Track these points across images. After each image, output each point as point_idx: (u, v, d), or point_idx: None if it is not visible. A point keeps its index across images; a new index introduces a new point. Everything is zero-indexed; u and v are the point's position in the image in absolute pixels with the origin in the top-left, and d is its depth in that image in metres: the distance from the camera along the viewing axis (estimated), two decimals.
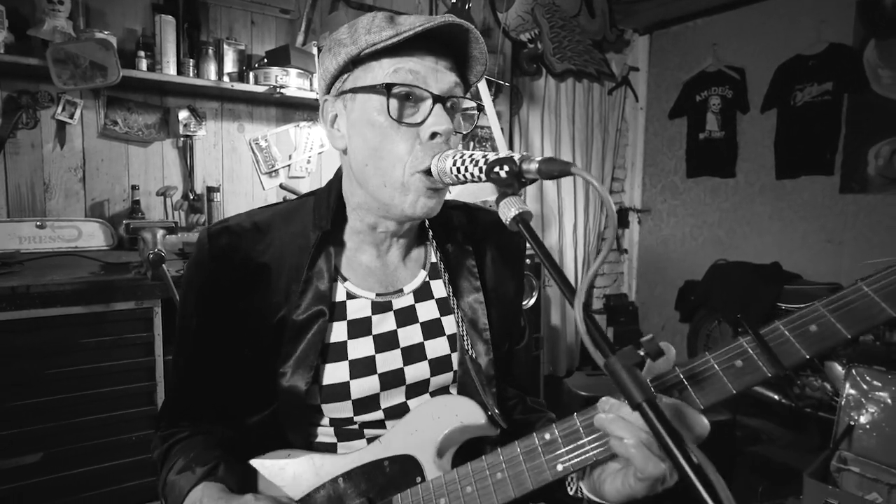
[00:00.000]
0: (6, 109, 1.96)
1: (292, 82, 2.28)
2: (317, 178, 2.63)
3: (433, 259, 0.88)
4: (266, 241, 0.80)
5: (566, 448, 0.64)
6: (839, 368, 2.66)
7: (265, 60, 2.29)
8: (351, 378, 0.79)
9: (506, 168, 0.59)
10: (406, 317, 0.84)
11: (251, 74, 2.26)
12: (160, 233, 1.56)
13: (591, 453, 0.63)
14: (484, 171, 0.62)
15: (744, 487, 2.54)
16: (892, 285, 0.56)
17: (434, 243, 0.88)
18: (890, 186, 2.95)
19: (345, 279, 0.82)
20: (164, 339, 1.66)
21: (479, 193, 2.55)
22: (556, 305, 3.74)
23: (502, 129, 3.30)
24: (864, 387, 2.39)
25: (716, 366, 0.61)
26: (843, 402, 2.41)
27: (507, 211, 0.59)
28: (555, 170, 0.55)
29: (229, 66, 2.26)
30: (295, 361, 0.77)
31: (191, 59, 2.13)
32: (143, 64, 2.02)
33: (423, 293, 0.86)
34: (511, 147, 3.43)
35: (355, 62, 0.74)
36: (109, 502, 1.62)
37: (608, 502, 0.65)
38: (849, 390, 2.42)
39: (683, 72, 3.93)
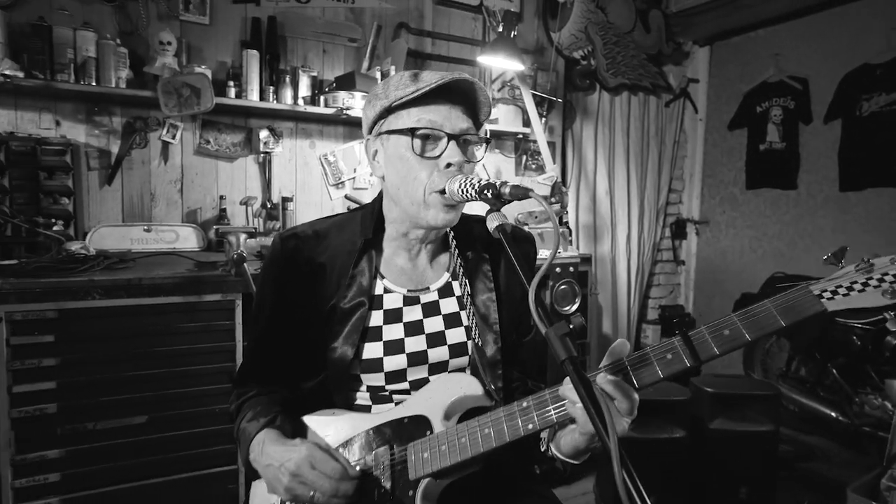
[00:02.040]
0: (124, 133, 2.35)
1: (357, 104, 2.55)
2: (377, 189, 2.89)
3: (455, 264, 1.09)
4: (323, 245, 1.04)
5: (537, 412, 0.82)
6: None
7: (334, 85, 2.58)
8: (384, 355, 1.00)
9: (490, 191, 0.79)
10: (431, 309, 1.05)
11: (321, 98, 2.56)
12: (242, 236, 1.86)
13: (553, 415, 0.81)
14: (477, 191, 0.82)
15: (789, 500, 2.53)
16: (789, 303, 0.72)
17: (456, 251, 1.09)
18: None
19: (383, 277, 1.04)
20: (243, 327, 1.95)
21: (525, 205, 2.72)
22: (608, 315, 3.81)
23: (553, 143, 3.45)
24: None
25: (652, 357, 0.77)
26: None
27: (492, 222, 0.79)
28: (519, 193, 0.74)
29: (303, 90, 2.56)
30: (342, 339, 0.99)
31: (271, 87, 2.45)
32: (232, 92, 2.36)
33: (445, 291, 1.07)
34: (564, 159, 3.56)
35: (388, 111, 0.97)
36: (196, 462, 1.92)
37: (563, 454, 0.84)
38: None
39: (744, 83, 3.90)
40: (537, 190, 2.81)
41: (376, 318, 1.02)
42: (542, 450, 0.90)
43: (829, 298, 0.73)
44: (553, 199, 2.84)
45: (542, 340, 0.66)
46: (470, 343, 1.04)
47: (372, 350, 1.00)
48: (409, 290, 1.05)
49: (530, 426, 0.82)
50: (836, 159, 3.37)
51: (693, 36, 4.08)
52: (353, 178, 2.85)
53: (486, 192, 0.81)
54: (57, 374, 1.73)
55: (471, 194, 0.86)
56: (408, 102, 0.95)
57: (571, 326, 0.64)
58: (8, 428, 1.68)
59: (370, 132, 1.03)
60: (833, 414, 2.98)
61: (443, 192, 0.93)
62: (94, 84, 2.14)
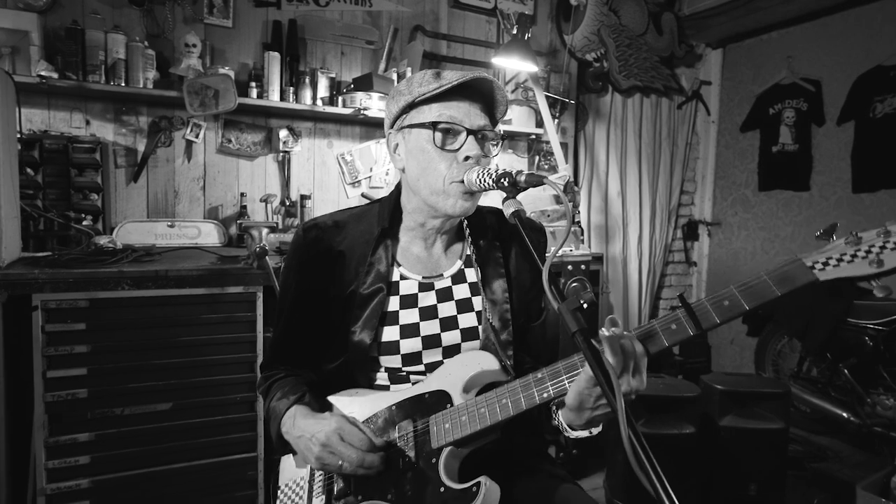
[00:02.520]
0: (150, 132, 2.44)
1: (374, 105, 2.62)
2: (392, 188, 2.96)
3: (468, 252, 1.15)
4: (342, 234, 1.10)
5: (551, 382, 0.87)
6: None
7: (352, 86, 2.65)
8: (401, 338, 1.06)
9: (507, 179, 0.85)
10: (444, 295, 1.10)
11: (340, 98, 2.63)
12: (265, 231, 1.93)
13: (566, 384, 0.86)
14: (494, 180, 0.88)
15: (800, 500, 2.54)
16: (783, 274, 0.76)
17: (469, 240, 1.14)
18: None
19: (399, 264, 1.10)
20: (263, 318, 2.02)
21: (538, 204, 2.77)
22: (619, 314, 3.84)
23: (566, 143, 3.49)
24: None
25: (658, 328, 0.82)
26: None
27: (508, 209, 0.85)
28: (534, 180, 0.79)
29: (322, 91, 2.64)
30: (362, 323, 1.05)
31: (291, 87, 2.53)
32: (254, 92, 2.44)
33: (458, 278, 1.12)
34: (576, 160, 3.61)
35: (411, 106, 1.03)
36: (217, 448, 1.99)
37: (575, 425, 0.88)
38: None
39: (757, 85, 3.92)
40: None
41: (393, 304, 1.08)
42: (554, 423, 0.95)
43: (820, 269, 0.78)
44: (567, 197, 2.87)
45: (553, 335, 0.70)
46: (481, 327, 1.10)
47: (389, 333, 1.06)
48: (423, 277, 1.10)
49: (545, 395, 0.87)
50: (849, 161, 3.38)
51: (706, 38, 4.11)
52: (369, 177, 2.92)
53: (502, 180, 0.87)
54: (88, 361, 1.81)
55: (488, 183, 0.92)
56: (429, 98, 1.01)
57: (582, 302, 0.67)
58: (42, 411, 1.76)
59: (392, 126, 1.09)
60: (845, 415, 2.98)
61: (461, 182, 0.99)
62: (123, 85, 2.22)
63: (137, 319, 1.87)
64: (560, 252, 2.47)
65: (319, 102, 2.62)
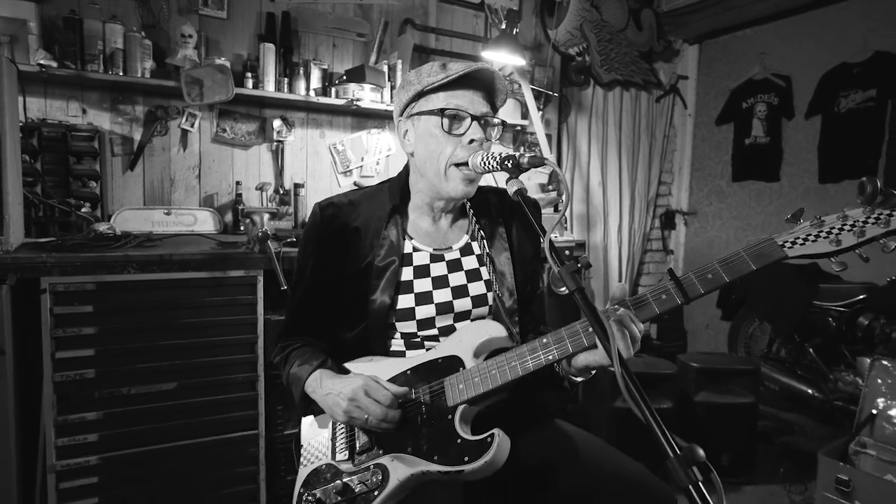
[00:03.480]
0: (146, 121, 2.48)
1: (366, 96, 2.69)
2: (384, 177, 3.03)
3: (473, 228, 1.25)
4: (357, 212, 1.19)
5: (555, 346, 0.98)
6: (868, 362, 2.77)
7: (344, 77, 2.72)
8: (416, 305, 1.17)
9: (510, 161, 0.95)
10: (454, 266, 1.21)
11: (332, 89, 2.70)
12: (266, 216, 2.00)
13: (570, 347, 0.97)
14: (498, 162, 0.99)
15: (769, 470, 2.72)
16: (758, 251, 0.88)
17: (473, 217, 1.25)
18: None
19: (411, 238, 1.21)
20: (264, 301, 2.10)
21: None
22: (600, 300, 3.99)
23: (550, 135, 3.61)
24: (889, 379, 2.53)
25: (650, 298, 0.94)
26: (866, 392, 2.56)
27: (512, 187, 0.96)
28: (536, 161, 0.90)
29: (315, 82, 2.70)
30: (379, 292, 1.15)
31: (285, 78, 2.59)
32: (249, 83, 2.50)
33: (466, 250, 1.23)
34: (559, 151, 3.73)
35: (420, 95, 1.13)
36: (220, 426, 2.06)
37: (575, 368, 1.00)
38: (873, 381, 2.56)
39: (731, 79, 4.09)
40: (536, 179, 2.98)
41: (407, 274, 1.18)
42: (557, 372, 1.07)
43: (789, 247, 0.90)
44: (550, 188, 3.00)
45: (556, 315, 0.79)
46: (490, 294, 1.21)
47: (405, 301, 1.16)
48: (434, 249, 1.21)
49: (550, 357, 0.99)
50: (815, 153, 3.57)
51: (683, 34, 4.26)
52: (361, 166, 2.99)
53: (506, 162, 0.98)
54: (95, 342, 1.87)
55: (492, 165, 1.02)
56: (437, 88, 1.11)
57: (580, 265, 0.77)
58: (51, 391, 1.82)
59: (401, 114, 1.18)
60: (810, 391, 3.17)
61: (466, 164, 1.09)
62: (121, 74, 2.26)
63: (143, 302, 1.93)
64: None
65: (312, 93, 2.68)
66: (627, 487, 1.05)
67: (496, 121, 1.14)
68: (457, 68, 1.10)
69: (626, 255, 4.15)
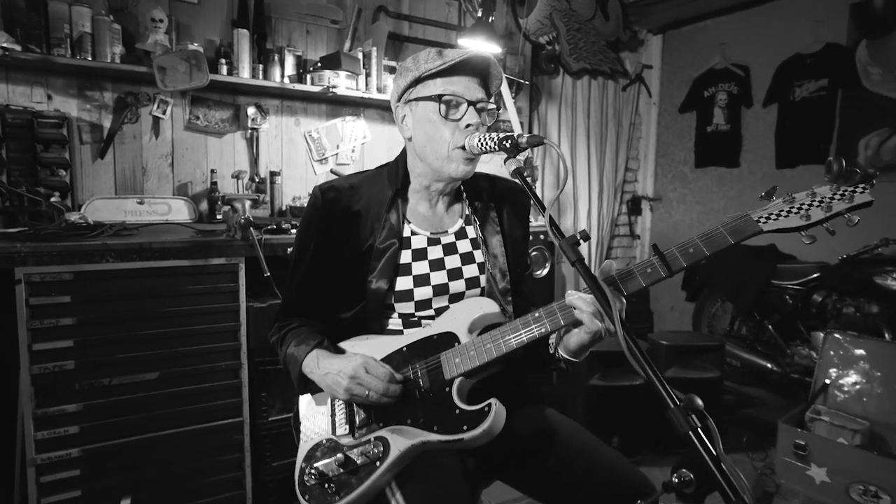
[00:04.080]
0: (116, 108, 2.42)
1: (342, 83, 2.69)
2: (359, 164, 3.05)
3: (467, 212, 1.30)
4: (358, 195, 1.22)
5: (547, 319, 1.04)
6: (822, 336, 2.95)
7: (319, 64, 2.71)
8: (414, 287, 1.20)
9: (509, 141, 1.00)
10: (449, 249, 1.25)
11: (308, 77, 2.68)
12: (247, 203, 1.99)
13: (561, 321, 1.02)
14: (497, 143, 1.03)
15: (732, 440, 2.87)
16: (735, 226, 0.95)
17: (467, 202, 1.29)
18: (879, 175, 3.22)
19: (409, 222, 1.24)
20: (246, 289, 2.09)
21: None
22: (571, 284, 4.09)
23: (522, 122, 3.67)
24: (840, 351, 2.71)
25: (636, 272, 1.00)
26: (820, 363, 2.73)
27: (510, 166, 1.00)
28: (535, 141, 0.95)
29: (289, 69, 2.68)
30: (378, 273, 1.18)
31: (260, 65, 2.56)
32: (224, 69, 2.46)
33: (460, 234, 1.27)
34: None
35: (418, 81, 1.16)
36: (204, 415, 2.05)
37: (570, 351, 1.05)
38: (826, 353, 2.74)
39: (693, 69, 4.23)
40: (511, 165, 3.03)
41: (406, 256, 1.21)
42: (551, 352, 1.12)
43: (763, 222, 0.97)
44: (525, 174, 3.05)
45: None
46: (483, 277, 1.25)
47: (404, 283, 1.20)
48: (431, 233, 1.25)
49: (543, 330, 1.04)
50: (773, 140, 3.74)
51: (648, 25, 4.38)
52: (336, 154, 2.99)
53: (504, 142, 1.02)
54: (74, 333, 1.84)
55: (490, 146, 1.06)
56: (434, 74, 1.14)
57: (579, 237, 0.81)
58: (29, 384, 1.78)
59: (399, 100, 1.21)
60: (769, 365, 3.36)
61: (463, 147, 1.13)
62: (90, 59, 2.20)
63: (122, 291, 1.90)
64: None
65: (287, 80, 2.66)
66: (611, 469, 1.13)
67: (491, 106, 1.19)
68: (453, 55, 1.13)
69: (595, 240, 4.27)
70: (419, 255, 1.22)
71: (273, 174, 2.74)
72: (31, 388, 1.79)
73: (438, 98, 1.13)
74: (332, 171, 2.86)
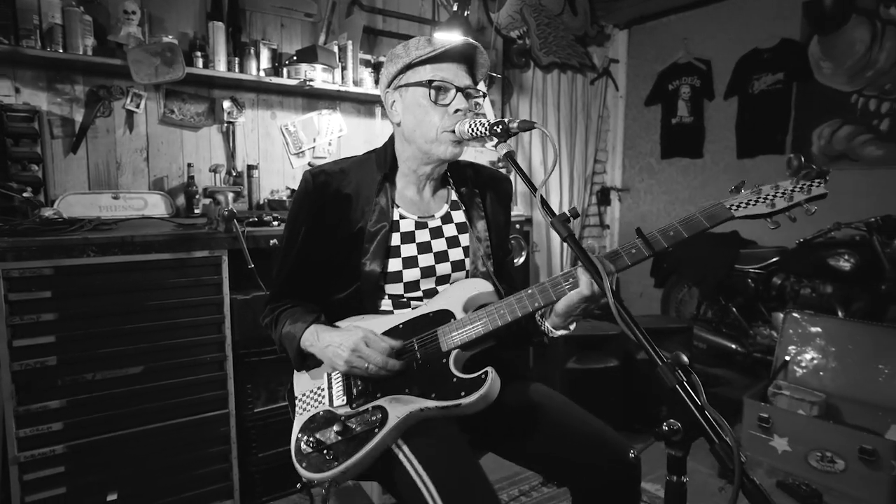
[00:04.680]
0: (88, 101, 2.38)
1: (318, 76, 2.70)
2: (336, 157, 3.06)
3: (454, 197, 1.35)
4: (348, 179, 1.26)
5: (540, 295, 1.10)
6: (782, 316, 3.12)
7: (295, 58, 2.71)
8: (403, 269, 1.25)
9: (500, 126, 1.06)
10: (436, 233, 1.30)
11: (284, 70, 2.69)
12: (230, 195, 2.00)
13: (553, 296, 1.09)
14: (487, 128, 1.08)
15: None
16: (710, 212, 1.04)
17: (453, 188, 1.34)
18: (830, 163, 3.41)
19: (398, 206, 1.28)
20: (229, 281, 2.10)
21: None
22: (544, 273, 4.20)
23: (495, 115, 3.74)
24: (799, 329, 2.87)
25: (622, 251, 1.07)
26: (780, 341, 2.89)
27: (501, 150, 1.06)
28: (526, 126, 1.01)
29: (264, 62, 2.68)
30: (370, 255, 1.22)
31: (236, 58, 2.55)
32: (200, 62, 2.44)
33: (446, 219, 1.33)
34: None
35: (408, 67, 1.20)
36: (190, 408, 2.06)
37: (555, 319, 1.11)
38: (786, 332, 2.90)
39: (658, 63, 4.37)
40: (487, 155, 3.09)
41: (395, 239, 1.26)
42: (539, 327, 1.19)
43: (735, 209, 1.06)
44: (500, 164, 3.12)
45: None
46: (468, 260, 1.31)
47: (394, 265, 1.25)
48: (419, 217, 1.30)
49: (536, 304, 1.10)
50: (734, 131, 3.91)
51: (614, 20, 4.50)
52: (313, 147, 3.00)
53: (495, 127, 1.08)
54: (55, 329, 1.82)
55: (481, 131, 1.12)
56: (424, 61, 1.19)
57: (569, 215, 0.87)
58: (10, 381, 1.76)
59: (389, 86, 1.25)
60: (733, 346, 3.53)
61: (452, 131, 1.18)
62: (61, 51, 2.16)
63: (105, 285, 1.89)
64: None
65: (262, 73, 2.66)
66: (594, 437, 1.20)
67: (478, 92, 1.24)
68: (442, 42, 1.18)
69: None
70: (407, 237, 1.27)
71: (250, 168, 2.74)
72: (12, 386, 1.77)
73: (428, 83, 1.18)
74: (310, 164, 2.87)
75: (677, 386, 0.73)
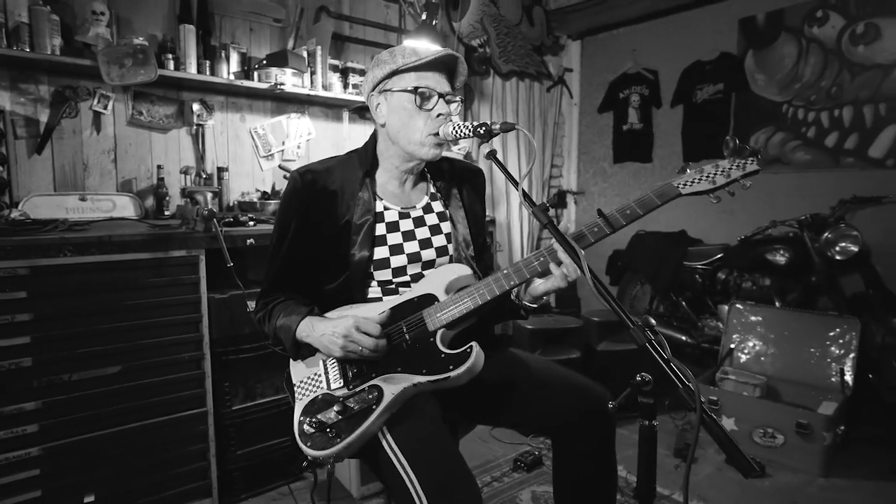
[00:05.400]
0: (54, 101, 2.35)
1: (288, 80, 2.75)
2: (305, 160, 3.11)
3: (432, 190, 1.46)
4: (333, 177, 1.35)
5: (514, 273, 1.22)
6: (727, 308, 3.37)
7: (265, 62, 2.76)
8: (390, 255, 1.35)
9: (482, 128, 1.17)
10: (419, 222, 1.41)
11: (255, 73, 2.73)
12: (209, 195, 2.03)
13: (526, 273, 1.21)
14: (471, 129, 1.19)
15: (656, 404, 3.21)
16: (661, 191, 1.18)
17: (431, 181, 1.45)
18: (766, 167, 3.71)
19: (381, 199, 1.38)
20: (207, 280, 2.13)
21: None
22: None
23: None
24: (742, 319, 3.12)
25: (586, 231, 1.20)
26: (725, 331, 3.13)
27: (485, 149, 1.17)
28: (506, 128, 1.12)
29: (234, 66, 2.71)
30: (358, 245, 1.31)
31: (207, 61, 2.58)
32: (171, 64, 2.46)
33: (427, 209, 1.43)
34: None
35: (394, 73, 1.30)
36: (168, 406, 2.07)
37: (535, 295, 1.24)
38: (731, 322, 3.14)
39: (609, 73, 4.62)
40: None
41: (381, 229, 1.36)
42: (515, 302, 1.31)
43: (682, 187, 1.21)
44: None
45: None
46: (451, 246, 1.42)
47: (381, 252, 1.35)
48: (402, 208, 1.40)
49: (512, 283, 1.22)
50: (680, 137, 4.18)
51: (568, 31, 4.72)
52: (282, 150, 3.04)
53: (479, 129, 1.19)
54: (31, 329, 1.81)
55: (464, 133, 1.23)
56: (410, 68, 1.29)
57: (549, 204, 0.98)
58: None
59: (374, 90, 1.35)
60: (684, 338, 3.76)
61: (436, 134, 1.29)
62: (28, 50, 2.14)
63: (81, 285, 1.89)
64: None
65: (232, 76, 2.69)
66: (574, 386, 1.33)
67: (457, 98, 1.35)
68: (427, 52, 1.29)
69: (526, 231, 4.55)
70: (392, 227, 1.37)
71: (220, 170, 2.76)
72: None
73: (414, 90, 1.28)
74: (280, 167, 2.91)
75: (647, 344, 0.86)
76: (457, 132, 1.25)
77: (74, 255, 1.86)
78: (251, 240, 2.22)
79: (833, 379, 2.75)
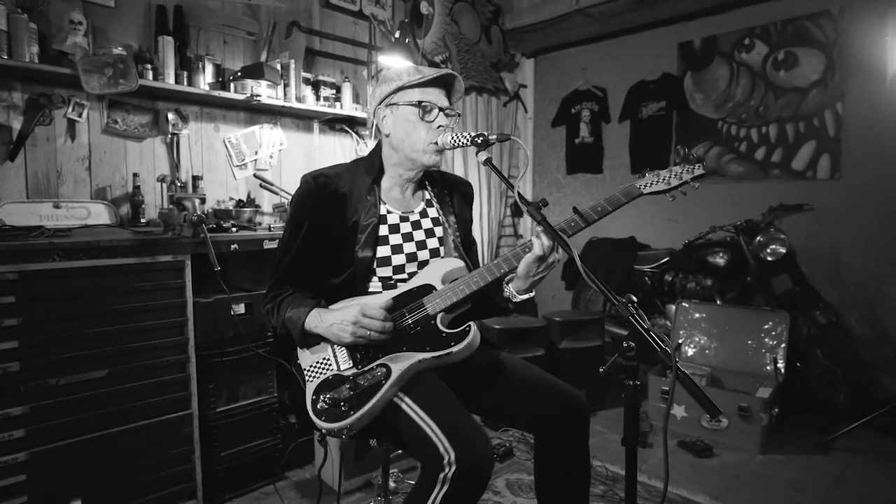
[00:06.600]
0: (28, 109, 2.35)
1: (263, 92, 2.84)
2: (277, 170, 3.20)
3: (428, 197, 1.61)
4: (343, 181, 1.47)
5: (505, 263, 1.38)
6: (674, 307, 3.67)
7: (239, 74, 2.83)
8: (392, 254, 1.48)
9: (480, 137, 1.33)
10: (416, 225, 1.55)
11: (231, 85, 2.79)
12: (197, 201, 2.09)
13: (514, 263, 1.37)
14: (469, 139, 1.35)
15: (613, 398, 3.45)
16: (627, 190, 1.37)
17: (428, 189, 1.60)
18: (705, 179, 4.06)
19: (385, 203, 1.52)
20: (192, 285, 2.18)
21: None
22: None
23: None
24: (688, 316, 3.40)
25: (563, 224, 1.38)
26: (673, 328, 3.40)
27: (482, 157, 1.33)
28: (503, 138, 1.29)
29: (209, 77, 2.77)
30: (363, 244, 1.45)
31: (184, 72, 2.63)
32: (150, 75, 2.50)
33: (423, 214, 1.58)
34: None
35: (400, 89, 1.45)
36: (154, 409, 2.10)
37: (520, 280, 1.39)
38: (678, 320, 3.42)
39: (561, 89, 4.92)
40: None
41: (384, 230, 1.50)
42: (505, 294, 1.46)
43: (644, 187, 1.41)
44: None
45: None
46: (442, 248, 1.57)
47: (383, 251, 1.48)
48: (402, 212, 1.54)
49: (503, 270, 1.38)
50: (627, 150, 4.50)
51: (522, 49, 5.00)
52: (255, 160, 3.10)
53: (477, 138, 1.35)
54: (18, 334, 1.82)
55: (463, 142, 1.39)
56: (414, 85, 1.44)
57: (541, 204, 1.12)
58: None
59: (380, 103, 1.49)
60: None
61: (435, 143, 1.44)
62: (6, 57, 2.14)
63: (69, 290, 1.91)
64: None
65: (207, 87, 2.75)
66: (556, 386, 1.50)
67: (455, 112, 1.51)
68: (430, 72, 1.46)
69: (486, 239, 4.75)
70: (394, 229, 1.52)
71: (195, 178, 2.80)
72: None
73: (418, 104, 1.44)
74: (255, 176, 2.97)
75: (630, 317, 1.03)
76: (455, 141, 1.40)
77: (63, 260, 1.88)
78: (235, 245, 2.29)
79: (768, 367, 3.06)
